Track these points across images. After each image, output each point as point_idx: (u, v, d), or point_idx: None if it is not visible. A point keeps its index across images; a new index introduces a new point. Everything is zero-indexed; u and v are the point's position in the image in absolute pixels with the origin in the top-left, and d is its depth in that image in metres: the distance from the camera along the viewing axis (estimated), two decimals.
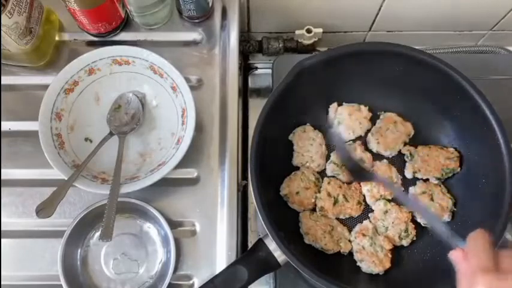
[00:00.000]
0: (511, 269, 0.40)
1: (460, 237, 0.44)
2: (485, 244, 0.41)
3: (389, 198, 0.69)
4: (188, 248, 0.66)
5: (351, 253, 0.67)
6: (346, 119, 0.71)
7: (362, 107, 0.72)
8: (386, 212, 0.67)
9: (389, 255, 0.66)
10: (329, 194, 0.68)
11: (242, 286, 0.58)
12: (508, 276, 0.39)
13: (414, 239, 0.67)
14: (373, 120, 0.73)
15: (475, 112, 0.63)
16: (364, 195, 0.70)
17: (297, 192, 0.67)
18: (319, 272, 0.55)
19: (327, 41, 0.87)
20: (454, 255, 0.43)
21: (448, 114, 0.70)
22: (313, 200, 0.68)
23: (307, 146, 0.70)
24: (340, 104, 0.73)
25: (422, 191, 0.68)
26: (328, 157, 0.72)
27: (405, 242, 0.67)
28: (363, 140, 0.73)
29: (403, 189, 0.70)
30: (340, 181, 0.69)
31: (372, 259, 0.65)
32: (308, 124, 0.72)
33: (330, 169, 0.70)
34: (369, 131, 0.73)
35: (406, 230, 0.66)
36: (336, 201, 0.67)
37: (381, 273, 0.65)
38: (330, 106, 0.73)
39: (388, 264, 0.65)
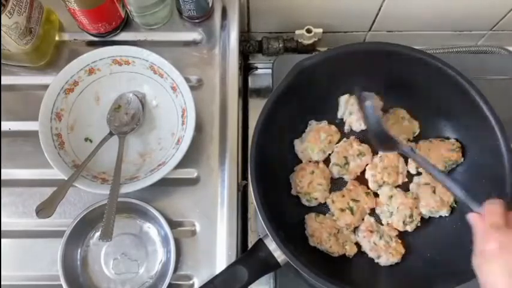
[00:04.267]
0: None
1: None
2: (498, 206, 0.46)
3: (394, 185, 0.69)
4: (188, 248, 0.66)
5: (356, 254, 0.67)
6: (358, 110, 0.70)
7: (376, 95, 0.71)
8: (391, 196, 0.68)
9: (399, 241, 0.67)
10: (342, 209, 0.67)
11: (242, 286, 0.58)
12: None
13: (418, 224, 0.67)
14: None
15: (475, 112, 0.63)
16: (366, 186, 0.70)
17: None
18: (319, 272, 0.55)
19: (327, 41, 0.87)
20: (472, 218, 0.47)
21: (448, 114, 0.70)
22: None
23: (316, 140, 0.70)
24: (351, 95, 0.72)
25: (426, 181, 0.68)
26: (328, 159, 0.71)
27: (409, 228, 0.67)
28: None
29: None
30: (339, 191, 0.69)
31: (388, 251, 0.65)
32: (326, 121, 0.72)
33: (336, 171, 0.70)
34: None
35: (411, 216, 0.66)
36: (351, 210, 0.67)
37: (398, 262, 0.65)
38: (341, 97, 0.72)
39: (402, 249, 0.66)
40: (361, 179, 0.71)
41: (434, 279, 0.61)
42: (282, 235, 0.57)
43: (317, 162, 0.70)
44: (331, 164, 0.71)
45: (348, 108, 0.71)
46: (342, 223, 0.67)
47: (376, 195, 0.70)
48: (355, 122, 0.71)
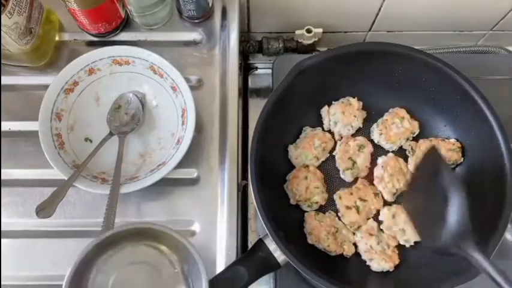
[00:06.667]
0: None
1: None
2: None
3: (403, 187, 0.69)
4: None
5: (353, 254, 0.67)
6: (341, 117, 0.71)
7: (351, 99, 0.72)
8: (393, 216, 0.67)
9: (396, 251, 0.66)
10: (348, 207, 0.67)
11: (242, 286, 0.58)
12: None
13: None
14: (368, 111, 0.73)
15: (475, 112, 0.63)
16: (376, 186, 0.70)
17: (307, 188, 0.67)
18: (319, 272, 0.55)
19: (327, 41, 0.87)
20: None
21: (448, 114, 0.70)
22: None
23: (310, 146, 0.70)
24: (329, 104, 0.72)
25: None
26: (321, 165, 0.71)
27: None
28: (362, 131, 0.73)
29: None
30: (347, 188, 0.69)
31: (381, 257, 0.65)
32: (320, 128, 0.72)
33: (349, 175, 0.69)
34: (365, 119, 0.72)
35: None
36: (357, 209, 0.67)
37: (391, 270, 0.65)
38: (322, 110, 0.72)
39: (397, 260, 0.65)
40: (369, 178, 0.70)
41: (433, 281, 0.61)
42: (282, 235, 0.57)
43: (307, 166, 0.70)
44: (341, 171, 0.70)
45: (332, 119, 0.72)
46: (347, 220, 0.67)
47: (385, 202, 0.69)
48: (343, 128, 0.71)
